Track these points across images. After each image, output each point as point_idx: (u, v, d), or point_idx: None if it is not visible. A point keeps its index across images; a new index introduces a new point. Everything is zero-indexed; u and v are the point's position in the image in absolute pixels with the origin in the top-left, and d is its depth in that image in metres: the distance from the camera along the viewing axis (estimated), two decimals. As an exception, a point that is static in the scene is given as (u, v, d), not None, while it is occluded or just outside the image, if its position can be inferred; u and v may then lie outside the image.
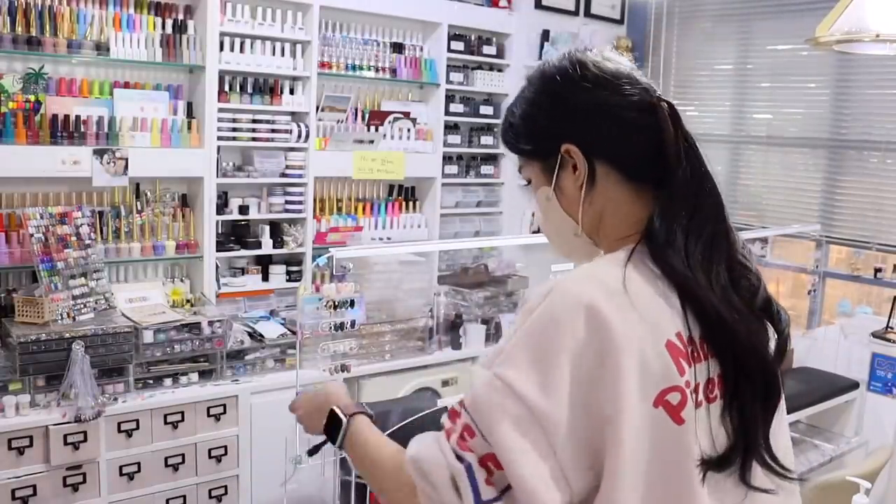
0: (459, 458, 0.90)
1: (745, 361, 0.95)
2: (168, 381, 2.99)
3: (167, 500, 2.92)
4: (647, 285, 0.93)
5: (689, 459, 0.89)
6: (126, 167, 3.02)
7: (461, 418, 0.92)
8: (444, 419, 0.95)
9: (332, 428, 1.18)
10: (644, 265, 0.96)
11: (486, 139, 4.27)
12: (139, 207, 3.21)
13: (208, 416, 2.99)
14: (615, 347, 0.87)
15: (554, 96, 1.05)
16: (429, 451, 0.94)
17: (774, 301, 1.02)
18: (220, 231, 3.41)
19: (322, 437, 1.23)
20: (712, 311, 0.93)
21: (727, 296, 0.95)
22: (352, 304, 2.49)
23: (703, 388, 0.93)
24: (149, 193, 3.25)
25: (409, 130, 3.91)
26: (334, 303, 2.45)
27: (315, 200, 3.62)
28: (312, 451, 1.35)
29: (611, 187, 1.02)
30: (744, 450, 0.94)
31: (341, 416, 1.17)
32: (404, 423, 2.06)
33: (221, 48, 3.26)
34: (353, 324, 2.51)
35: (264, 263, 3.60)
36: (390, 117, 3.85)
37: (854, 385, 3.18)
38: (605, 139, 1.01)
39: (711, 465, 0.91)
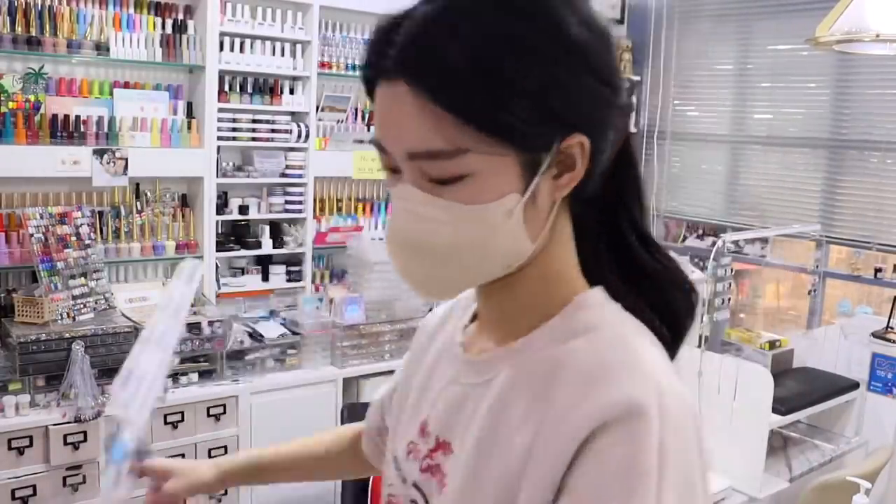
0: None
1: None
2: (168, 382, 2.98)
3: (167, 500, 2.92)
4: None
5: None
6: (126, 167, 3.02)
7: None
8: None
9: None
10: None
11: (486, 139, 4.26)
12: (139, 207, 3.21)
13: (208, 416, 2.98)
14: (701, 439, 0.71)
15: (575, 51, 0.66)
16: None
17: None
18: (220, 231, 3.41)
19: None
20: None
21: None
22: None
23: None
24: (149, 193, 3.25)
25: (409, 130, 3.90)
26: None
27: (315, 200, 3.62)
28: None
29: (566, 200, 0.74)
30: None
31: None
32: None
33: (221, 48, 3.26)
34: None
35: (264, 263, 3.60)
36: (390, 117, 3.85)
37: (854, 385, 3.18)
38: (606, 134, 0.71)
39: None
